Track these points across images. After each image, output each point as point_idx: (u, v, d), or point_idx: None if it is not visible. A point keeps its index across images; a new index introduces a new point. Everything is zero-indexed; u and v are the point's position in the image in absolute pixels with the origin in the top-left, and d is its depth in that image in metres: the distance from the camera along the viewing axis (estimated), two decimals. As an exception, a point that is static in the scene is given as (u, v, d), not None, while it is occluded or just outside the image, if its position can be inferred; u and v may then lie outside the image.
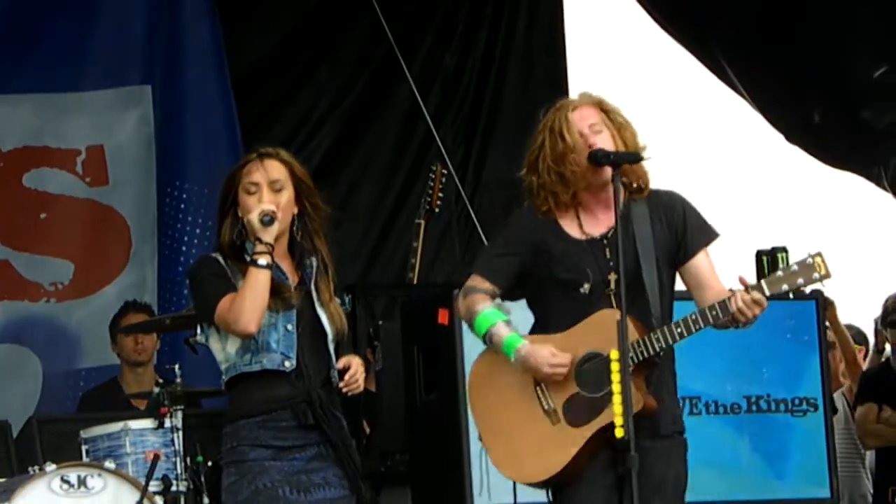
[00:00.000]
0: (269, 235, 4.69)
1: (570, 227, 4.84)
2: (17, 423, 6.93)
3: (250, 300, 4.65)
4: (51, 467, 5.77)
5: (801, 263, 4.75)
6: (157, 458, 5.96)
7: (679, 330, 4.77)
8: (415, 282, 7.46)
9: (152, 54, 8.05)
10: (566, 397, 4.79)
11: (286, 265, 4.79)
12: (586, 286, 4.78)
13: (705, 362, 6.51)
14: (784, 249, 6.50)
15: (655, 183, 4.94)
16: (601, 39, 9.07)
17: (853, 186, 8.05)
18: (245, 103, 8.20)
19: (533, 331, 4.91)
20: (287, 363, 4.70)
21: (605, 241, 4.82)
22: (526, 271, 4.87)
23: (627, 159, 4.81)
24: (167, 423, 6.03)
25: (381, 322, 7.04)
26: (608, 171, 4.79)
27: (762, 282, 4.75)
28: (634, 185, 4.84)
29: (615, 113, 4.88)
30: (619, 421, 4.66)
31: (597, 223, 4.85)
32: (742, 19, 7.68)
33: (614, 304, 4.76)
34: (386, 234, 8.61)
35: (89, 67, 8.00)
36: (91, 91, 8.02)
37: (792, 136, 7.88)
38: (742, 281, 4.76)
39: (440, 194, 7.67)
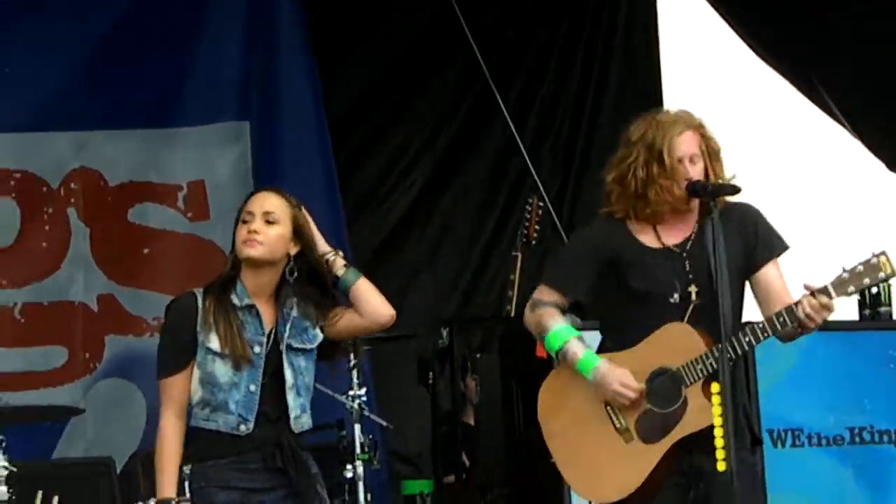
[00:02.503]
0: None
1: (645, 236, 4.85)
2: (121, 459, 7.01)
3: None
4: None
5: (866, 264, 4.73)
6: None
7: (747, 339, 4.75)
8: (512, 314, 7.46)
9: (249, 91, 8.11)
10: (638, 415, 4.79)
11: (268, 307, 4.76)
12: (673, 297, 4.77)
13: (807, 394, 6.47)
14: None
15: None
16: (696, 65, 9.02)
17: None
18: (341, 139, 8.26)
19: (603, 343, 4.89)
20: (243, 427, 4.67)
21: (683, 253, 4.83)
22: (598, 282, 4.86)
23: (725, 192, 4.83)
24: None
25: (478, 355, 7.06)
26: (698, 199, 4.81)
27: (828, 285, 4.73)
28: (712, 204, 4.83)
29: (712, 140, 4.88)
30: (720, 455, 4.64)
31: (673, 233, 4.85)
32: (841, 47, 7.64)
33: (686, 317, 4.75)
34: (483, 268, 8.62)
35: (189, 103, 8.09)
36: (191, 126, 8.11)
37: (894, 165, 7.81)
38: (808, 286, 4.74)
39: (537, 227, 7.69)
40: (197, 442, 4.72)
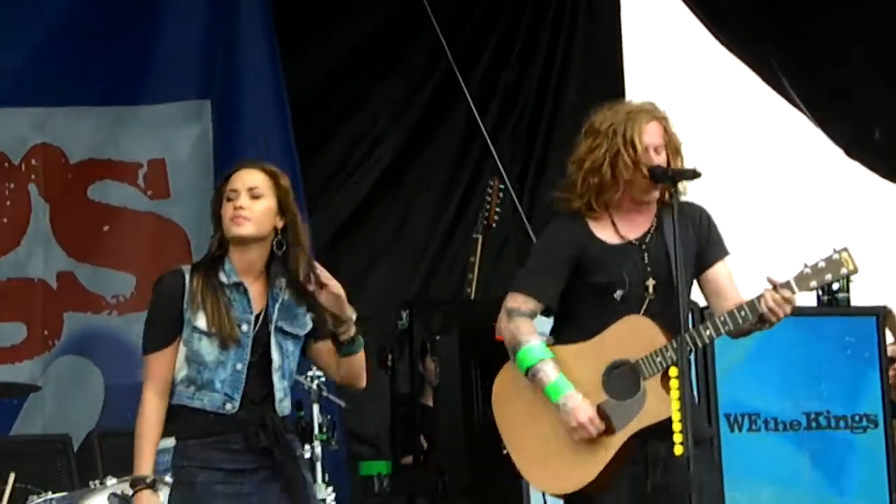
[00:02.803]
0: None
1: (603, 231, 4.87)
2: (79, 437, 6.99)
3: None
4: (111, 481, 5.81)
5: (828, 260, 4.77)
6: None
7: (708, 332, 4.79)
8: (472, 297, 7.48)
9: (211, 70, 8.08)
10: (596, 406, 4.80)
11: (258, 286, 4.69)
12: (619, 292, 4.80)
13: (765, 379, 6.50)
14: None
15: (709, 196, 4.98)
16: (658, 51, 9.05)
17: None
18: (303, 121, 8.24)
19: (558, 335, 4.90)
20: (228, 405, 4.61)
21: (643, 246, 4.86)
22: (567, 284, 4.87)
23: (685, 177, 4.85)
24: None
25: (438, 337, 7.07)
26: (659, 187, 4.83)
27: (790, 280, 4.77)
28: (667, 196, 4.87)
29: (674, 135, 4.91)
30: (678, 438, 4.66)
31: (633, 227, 4.88)
32: (801, 34, 7.67)
33: (643, 310, 4.78)
34: (444, 250, 8.63)
35: (150, 81, 8.06)
36: (152, 104, 8.09)
37: (852, 152, 7.86)
38: (770, 280, 4.77)
39: (497, 209, 7.69)
40: (180, 419, 4.66)
